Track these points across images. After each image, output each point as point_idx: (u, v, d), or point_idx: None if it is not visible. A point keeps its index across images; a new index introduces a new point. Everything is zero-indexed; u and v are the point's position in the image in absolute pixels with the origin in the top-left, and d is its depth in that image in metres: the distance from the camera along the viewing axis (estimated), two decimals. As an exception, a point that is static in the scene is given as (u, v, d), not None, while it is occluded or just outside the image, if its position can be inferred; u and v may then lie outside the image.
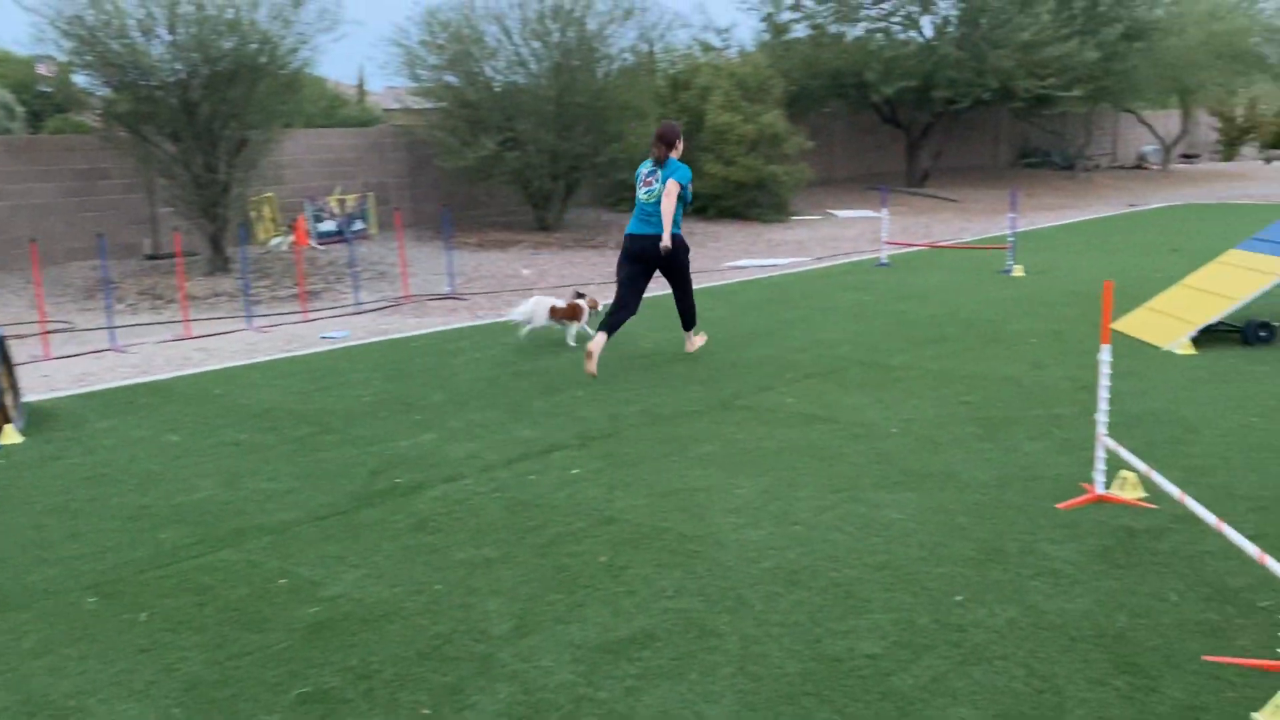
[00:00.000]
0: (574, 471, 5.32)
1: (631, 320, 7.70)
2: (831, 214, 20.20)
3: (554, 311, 8.46)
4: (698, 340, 8.07)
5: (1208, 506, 4.31)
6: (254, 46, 12.20)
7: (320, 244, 14.91)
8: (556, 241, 15.97)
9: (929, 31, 22.53)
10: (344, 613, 3.80)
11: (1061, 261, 12.80)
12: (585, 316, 8.59)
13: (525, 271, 13.23)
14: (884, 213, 13.45)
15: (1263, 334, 7.72)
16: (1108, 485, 4.76)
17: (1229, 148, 35.85)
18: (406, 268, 12.39)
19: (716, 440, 5.79)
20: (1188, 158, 34.67)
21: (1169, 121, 31.99)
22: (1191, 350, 7.53)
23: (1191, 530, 4.27)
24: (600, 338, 7.31)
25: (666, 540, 4.39)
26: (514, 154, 15.70)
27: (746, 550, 4.27)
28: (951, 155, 27.09)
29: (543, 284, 12.13)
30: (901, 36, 22.71)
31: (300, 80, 13.59)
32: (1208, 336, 7.70)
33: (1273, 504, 4.62)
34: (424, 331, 9.44)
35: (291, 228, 14.49)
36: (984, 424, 5.98)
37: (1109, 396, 4.69)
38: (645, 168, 7.97)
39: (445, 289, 11.69)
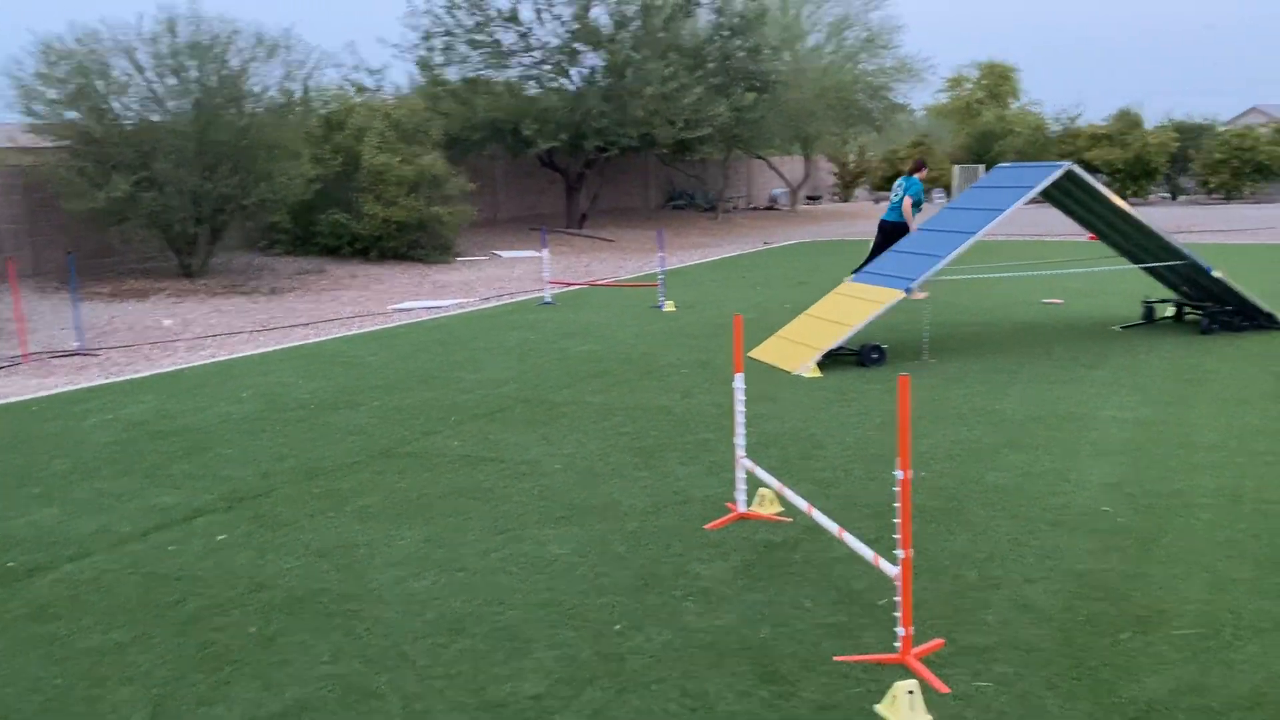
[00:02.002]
0: (220, 537, 4.95)
1: (289, 369, 7.35)
2: (497, 254, 20.41)
3: None
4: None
5: (834, 515, 4.73)
6: None
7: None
8: (203, 288, 14.93)
9: (577, 81, 23.48)
10: (-63, 727, 3.28)
11: (707, 296, 13.70)
12: None
13: (166, 322, 12.24)
14: (545, 253, 13.77)
15: (875, 356, 8.66)
16: (749, 503, 5.12)
17: (845, 190, 40.13)
18: (24, 323, 11.06)
19: (378, 491, 5.63)
20: (812, 199, 38.41)
21: (794, 166, 35.29)
22: (818, 373, 8.29)
23: (821, 539, 4.68)
24: None
25: (324, 602, 4.19)
26: (150, 195, 14.52)
27: (409, 603, 4.16)
28: (607, 198, 28.30)
29: (188, 335, 11.28)
30: (553, 85, 23.49)
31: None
32: (831, 360, 8.52)
33: (888, 509, 5.15)
34: (46, 394, 8.45)
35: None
36: (641, 453, 6.24)
37: (747, 420, 5.03)
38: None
39: (74, 344, 10.55)
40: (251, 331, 11.50)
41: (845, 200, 39.90)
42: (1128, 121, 35.21)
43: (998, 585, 4.22)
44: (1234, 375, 7.89)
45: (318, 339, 10.93)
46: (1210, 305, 9.79)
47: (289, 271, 17.04)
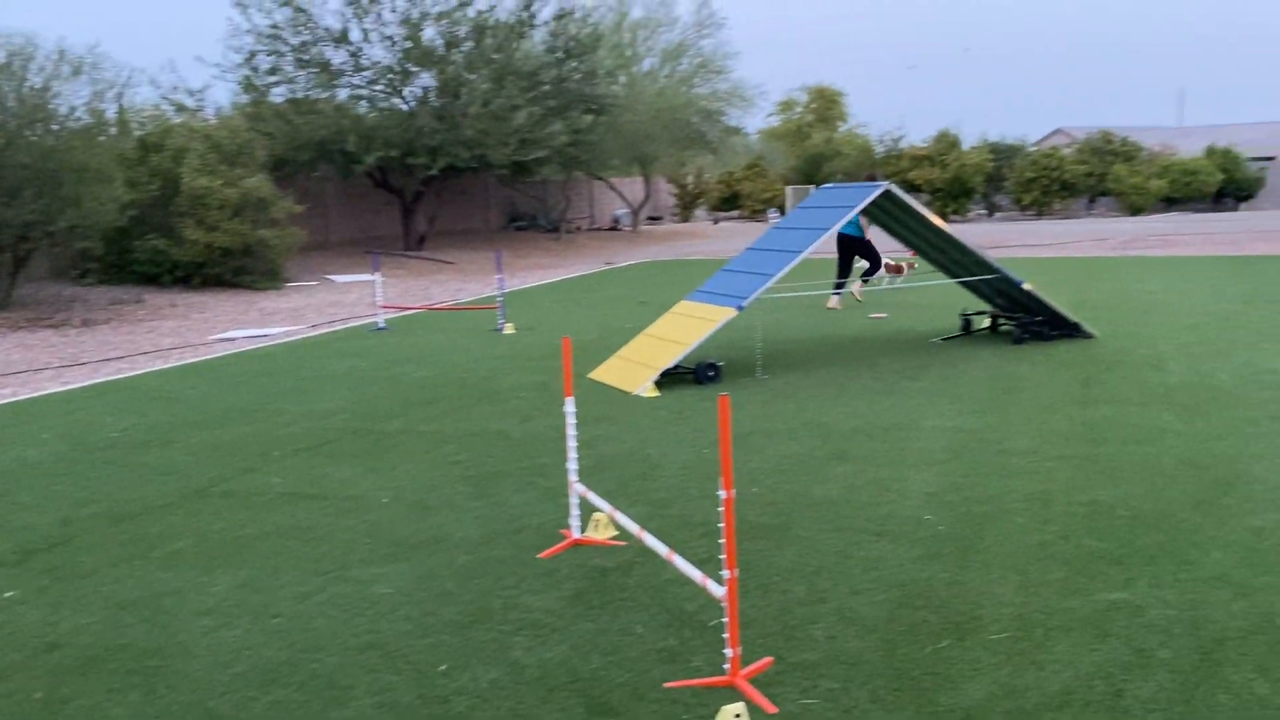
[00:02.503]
0: (8, 595, 4.54)
1: (99, 407, 6.88)
2: (329, 279, 19.78)
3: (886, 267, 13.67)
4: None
5: (668, 536, 4.72)
6: None
7: None
8: (5, 322, 13.88)
9: (411, 101, 23.11)
10: None
11: (549, 317, 13.62)
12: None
13: (-40, 359, 11.31)
14: (377, 276, 13.41)
15: (710, 373, 8.76)
16: (584, 529, 5.05)
17: (685, 210, 40.83)
18: None
19: (189, 534, 5.28)
20: (653, 220, 38.90)
21: (635, 187, 35.68)
22: (656, 393, 8.32)
23: (654, 563, 4.64)
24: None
25: (123, 659, 3.88)
26: (-60, 222, 13.45)
27: (219, 655, 3.90)
28: (447, 219, 27.90)
29: (-17, 373, 10.44)
30: (385, 105, 23.05)
31: None
32: (669, 379, 8.56)
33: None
34: None
35: None
36: (474, 482, 6.09)
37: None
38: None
39: None
40: (58, 367, 10.74)
41: (685, 220, 40.57)
42: (946, 143, 37.14)
43: (825, 599, 4.28)
44: (1044, 382, 8.32)
45: (132, 373, 10.30)
46: (1022, 316, 10.32)
47: (103, 302, 16.05)
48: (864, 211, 9.74)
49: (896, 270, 14.24)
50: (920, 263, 11.42)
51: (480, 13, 22.96)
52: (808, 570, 4.59)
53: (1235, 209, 36.64)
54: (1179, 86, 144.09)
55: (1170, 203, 35.98)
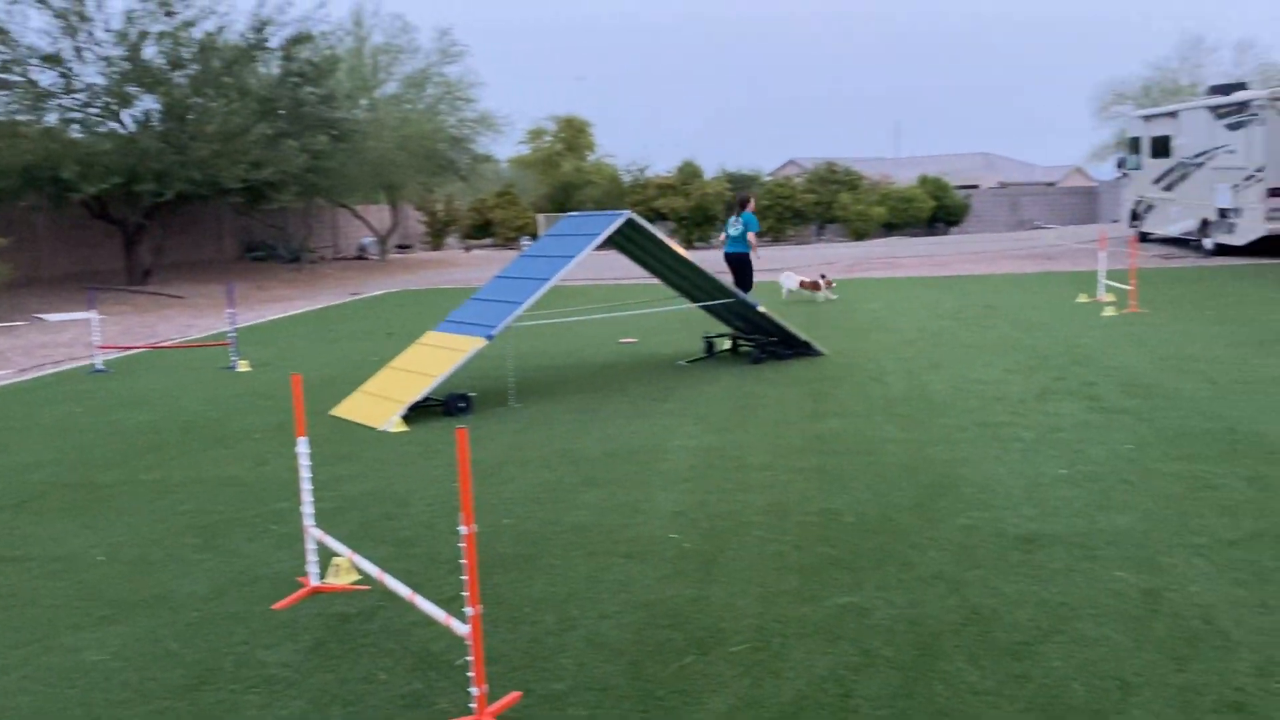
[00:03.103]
0: None
1: None
2: (40, 318, 18.03)
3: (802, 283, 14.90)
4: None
5: (415, 576, 4.58)
6: None
7: None
8: None
9: (131, 125, 21.55)
10: None
11: (289, 352, 12.99)
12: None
13: None
14: (93, 314, 12.34)
15: (461, 405, 8.62)
16: (323, 575, 4.81)
17: (436, 238, 40.26)
18: None
19: None
20: (402, 248, 38.09)
21: (382, 215, 34.82)
22: (404, 427, 8.09)
23: (399, 605, 4.48)
24: None
25: None
26: None
27: (-111, 751, 3.41)
28: (176, 250, 26.16)
29: None
30: (101, 130, 21.37)
31: None
32: (418, 412, 8.35)
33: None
34: None
35: None
36: (202, 532, 5.67)
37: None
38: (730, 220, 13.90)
39: None
40: None
41: (437, 249, 40.00)
42: (689, 172, 38.64)
43: (574, 626, 4.27)
44: (780, 399, 8.75)
45: None
46: (759, 338, 10.83)
47: None
48: (611, 240, 9.92)
49: (814, 286, 15.79)
50: (663, 288, 11.76)
51: (208, 33, 21.77)
52: (558, 598, 4.58)
53: (946, 233, 40.17)
54: (895, 120, 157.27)
55: (890, 228, 38.98)
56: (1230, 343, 10.45)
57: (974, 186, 48.06)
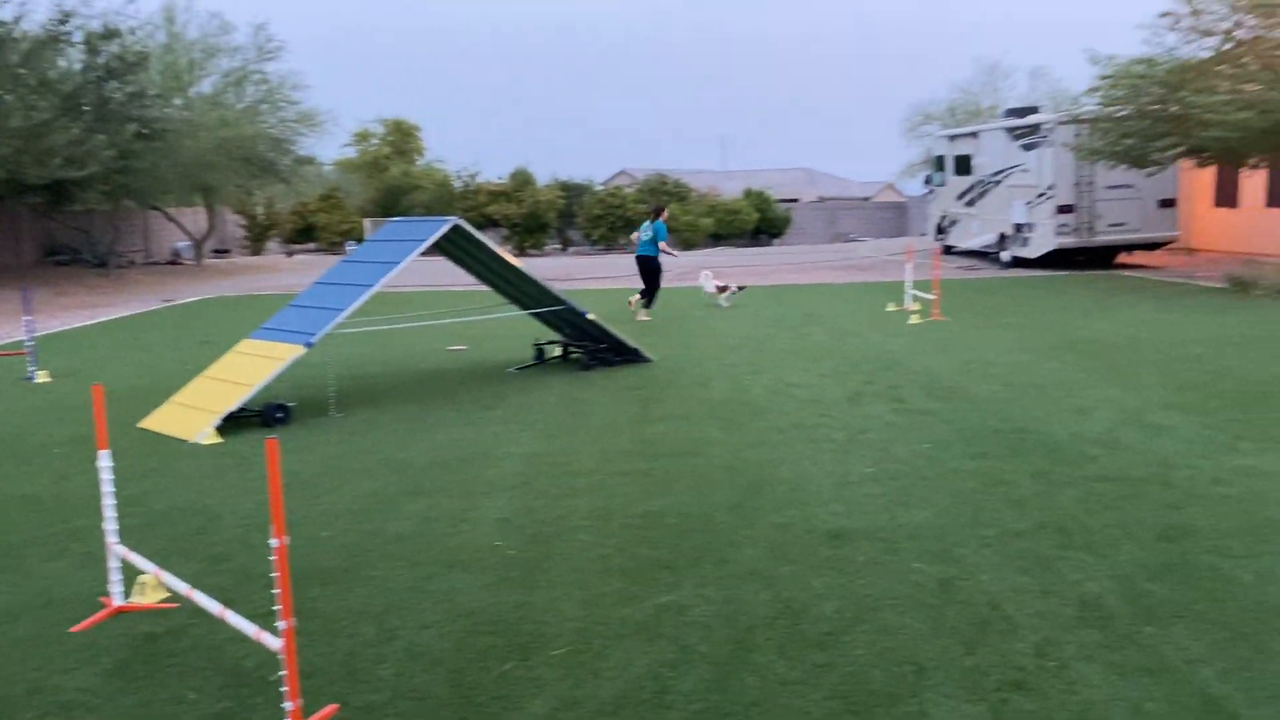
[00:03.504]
0: None
1: None
2: None
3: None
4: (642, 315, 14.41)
5: (228, 591, 4.44)
6: None
7: None
8: None
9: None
10: None
11: (95, 362, 12.27)
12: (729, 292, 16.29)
13: None
14: None
15: (280, 415, 8.36)
16: (127, 594, 4.59)
17: (256, 242, 38.73)
18: None
19: None
20: (220, 253, 36.46)
21: (198, 219, 33.26)
22: (218, 439, 7.78)
23: (210, 622, 4.33)
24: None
25: None
26: None
27: None
28: (-36, 253, 24.23)
29: None
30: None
31: None
32: (234, 423, 8.04)
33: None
34: None
35: None
36: (-7, 555, 5.32)
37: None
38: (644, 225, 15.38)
39: None
40: None
41: (257, 254, 38.47)
42: (522, 180, 38.57)
43: (394, 637, 4.23)
44: (608, 405, 8.87)
45: None
46: (589, 344, 10.95)
47: None
48: (438, 247, 9.83)
49: (721, 290, 16.79)
50: (493, 295, 11.72)
51: (2, 22, 20.30)
52: (377, 610, 4.52)
53: (769, 244, 41.51)
54: (722, 134, 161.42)
55: (717, 239, 39.99)
56: (1023, 348, 11.25)
57: (795, 200, 49.85)
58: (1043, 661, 3.91)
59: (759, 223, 41.60)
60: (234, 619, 3.70)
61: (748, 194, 42.36)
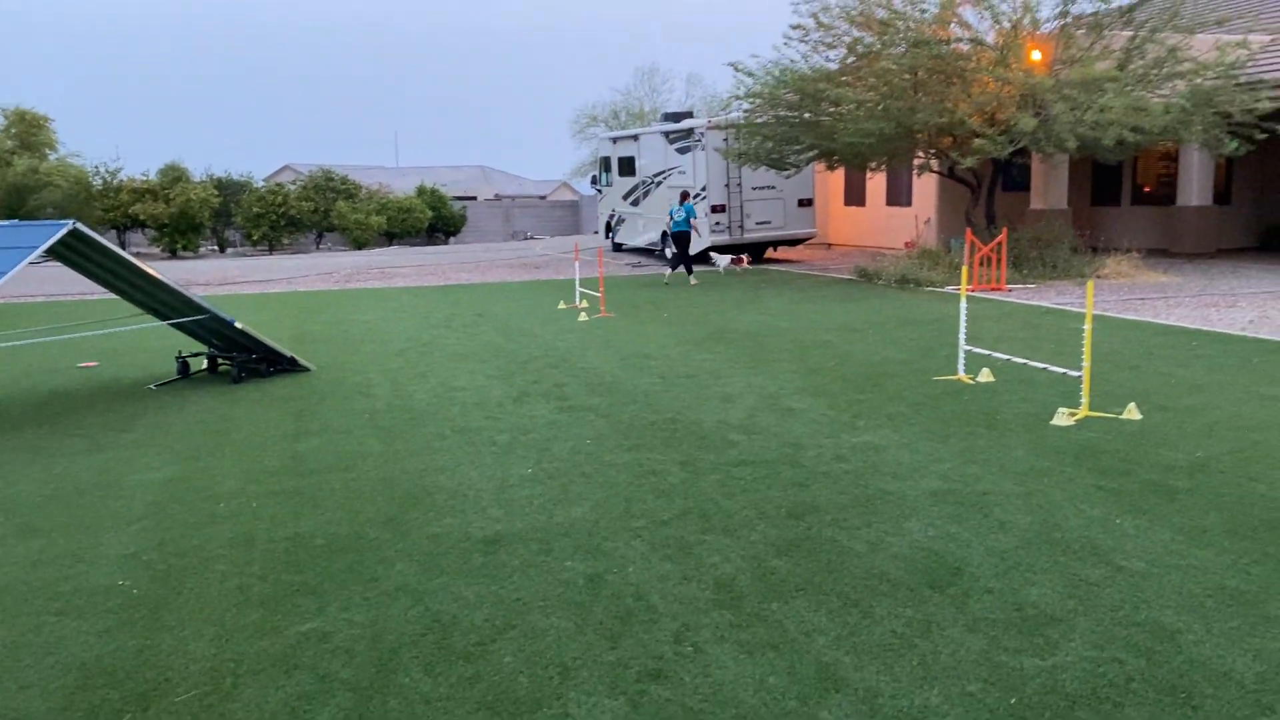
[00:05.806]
0: None
1: None
2: None
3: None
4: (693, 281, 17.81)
5: None
6: None
7: None
8: None
9: None
10: None
11: None
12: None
13: None
14: None
15: None
16: None
17: None
18: None
19: None
20: None
21: None
22: None
23: None
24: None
25: None
26: None
27: None
28: None
29: None
30: None
31: None
32: None
33: None
34: None
35: None
36: None
37: None
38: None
39: None
40: None
41: None
42: (173, 176, 35.64)
43: (-17, 705, 3.72)
44: (258, 420, 8.35)
45: None
46: (240, 355, 10.26)
47: None
48: (54, 253, 8.81)
49: (739, 262, 20.49)
50: (127, 305, 10.67)
51: None
52: (-36, 675, 3.95)
53: (445, 243, 41.08)
54: (395, 130, 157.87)
55: (391, 237, 39.02)
56: (679, 341, 11.83)
57: (472, 198, 49.74)
58: (680, 648, 4.08)
59: (434, 221, 41.06)
60: None
61: (421, 191, 41.69)
